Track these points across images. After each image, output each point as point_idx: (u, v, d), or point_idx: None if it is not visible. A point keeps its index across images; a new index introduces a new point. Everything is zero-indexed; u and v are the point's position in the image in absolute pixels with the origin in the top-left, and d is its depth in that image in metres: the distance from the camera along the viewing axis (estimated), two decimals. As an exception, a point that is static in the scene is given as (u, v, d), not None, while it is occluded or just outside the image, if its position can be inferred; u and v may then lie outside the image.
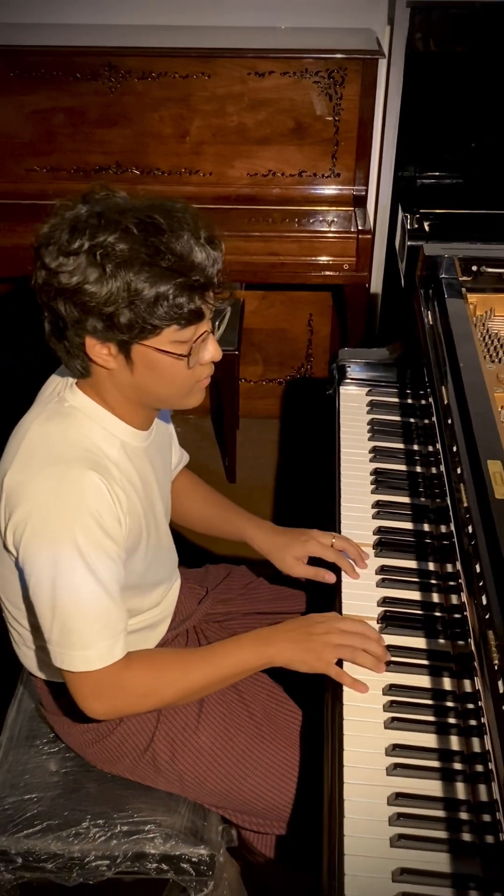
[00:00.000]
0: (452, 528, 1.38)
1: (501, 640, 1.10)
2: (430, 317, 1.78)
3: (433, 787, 1.20)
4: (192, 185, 2.82)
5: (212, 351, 1.31)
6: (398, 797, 1.18)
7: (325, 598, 1.59)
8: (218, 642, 1.43)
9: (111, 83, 2.67)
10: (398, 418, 1.88)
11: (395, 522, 1.64)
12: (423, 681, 1.35)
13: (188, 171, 2.81)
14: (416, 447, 1.79)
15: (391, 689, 1.33)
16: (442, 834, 1.15)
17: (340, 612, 1.47)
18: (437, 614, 1.45)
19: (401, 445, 1.81)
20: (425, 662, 1.38)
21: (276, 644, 1.39)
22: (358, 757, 1.24)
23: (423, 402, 1.76)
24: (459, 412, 1.46)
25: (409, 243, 2.01)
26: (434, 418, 1.61)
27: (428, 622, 1.44)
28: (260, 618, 1.70)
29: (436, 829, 1.15)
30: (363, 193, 2.82)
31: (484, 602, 1.17)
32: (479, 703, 1.16)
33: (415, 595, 1.50)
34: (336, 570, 1.56)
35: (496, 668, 1.09)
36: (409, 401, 1.92)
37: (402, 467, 1.76)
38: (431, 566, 1.54)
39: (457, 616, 1.37)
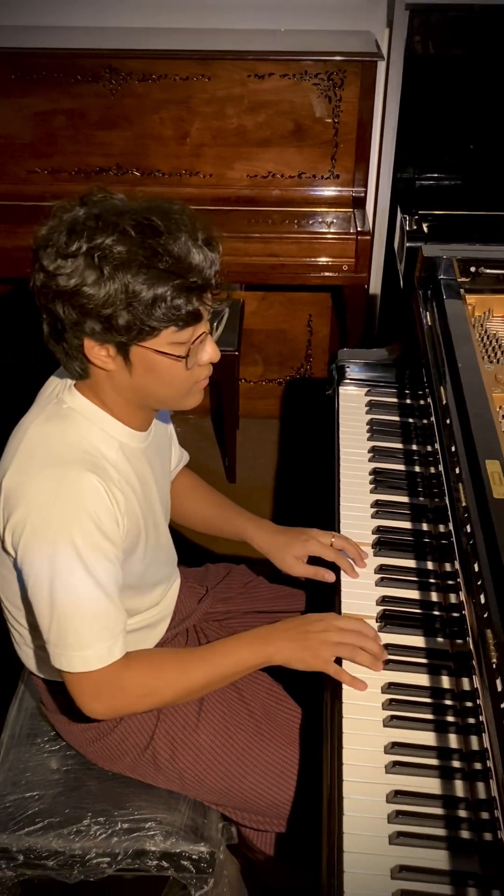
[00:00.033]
0: (451, 527, 1.38)
1: (499, 639, 1.11)
2: (428, 317, 1.79)
3: (432, 785, 1.21)
4: (193, 187, 2.82)
5: (210, 352, 1.31)
6: (397, 795, 1.19)
7: (324, 597, 1.59)
8: (217, 641, 1.44)
9: (112, 85, 2.68)
10: (397, 418, 1.89)
11: (394, 522, 1.65)
12: (422, 679, 1.36)
13: (188, 173, 2.82)
14: (414, 447, 1.79)
15: (390, 687, 1.34)
16: (441, 831, 1.15)
17: (340, 611, 1.48)
18: (436, 613, 1.45)
19: (400, 445, 1.82)
20: (424, 661, 1.38)
21: (275, 642, 1.40)
22: (357, 755, 1.25)
23: (422, 402, 1.77)
24: (458, 412, 1.47)
25: (407, 244, 2.02)
26: (433, 418, 1.61)
27: (427, 621, 1.44)
28: (259, 617, 1.71)
29: (435, 826, 1.15)
30: (362, 195, 2.83)
31: (482, 601, 1.18)
32: (478, 701, 1.16)
33: (413, 594, 1.50)
34: (335, 569, 1.56)
35: (494, 666, 1.10)
36: (408, 401, 1.93)
37: (401, 467, 1.77)
38: (430, 565, 1.54)
39: (455, 615, 1.38)
